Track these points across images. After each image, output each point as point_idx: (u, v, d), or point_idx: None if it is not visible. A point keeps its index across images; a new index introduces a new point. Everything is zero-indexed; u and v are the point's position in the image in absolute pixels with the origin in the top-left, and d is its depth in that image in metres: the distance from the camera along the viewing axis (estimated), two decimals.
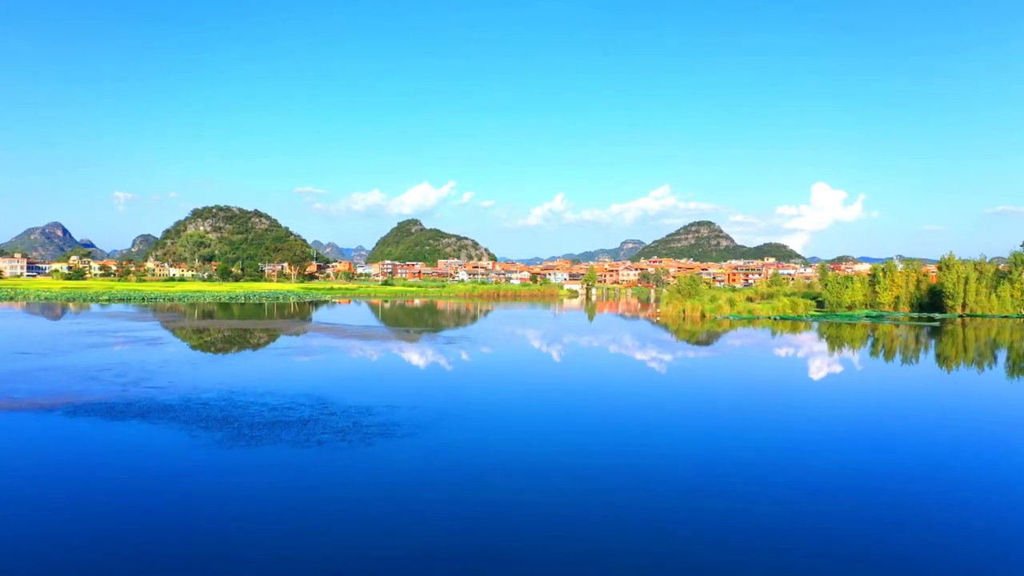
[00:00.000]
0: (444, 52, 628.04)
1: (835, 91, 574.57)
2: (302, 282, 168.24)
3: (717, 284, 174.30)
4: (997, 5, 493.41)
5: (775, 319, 68.78)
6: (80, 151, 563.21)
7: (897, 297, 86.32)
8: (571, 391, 25.31)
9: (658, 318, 71.43)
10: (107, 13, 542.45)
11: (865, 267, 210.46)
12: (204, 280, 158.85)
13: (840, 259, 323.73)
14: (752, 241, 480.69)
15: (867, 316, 72.82)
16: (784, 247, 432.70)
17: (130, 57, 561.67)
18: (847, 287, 77.97)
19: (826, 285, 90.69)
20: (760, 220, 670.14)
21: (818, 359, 37.51)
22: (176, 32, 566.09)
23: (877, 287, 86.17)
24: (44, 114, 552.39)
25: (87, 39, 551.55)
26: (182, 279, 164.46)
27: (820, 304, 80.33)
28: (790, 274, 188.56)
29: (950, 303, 79.58)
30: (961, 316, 76.53)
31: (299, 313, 71.47)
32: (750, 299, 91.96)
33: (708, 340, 48.74)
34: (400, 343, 40.00)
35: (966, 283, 79.47)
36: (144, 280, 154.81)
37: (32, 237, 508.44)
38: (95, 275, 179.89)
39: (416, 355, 34.92)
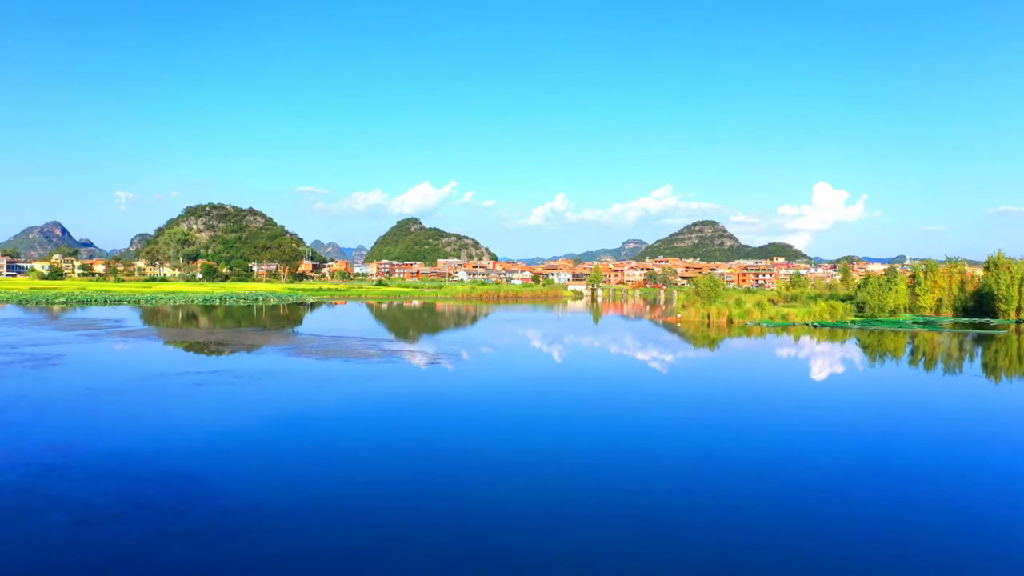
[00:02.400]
0: (446, 52, 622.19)
1: (837, 91, 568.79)
2: (292, 282, 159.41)
3: (728, 285, 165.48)
4: (998, 5, 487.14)
5: (813, 326, 60.06)
6: (82, 151, 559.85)
7: (939, 300, 77.79)
8: (603, 448, 16.57)
9: (679, 324, 62.76)
10: (110, 14, 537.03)
11: (877, 267, 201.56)
12: (187, 280, 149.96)
13: (846, 259, 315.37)
14: (755, 241, 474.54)
15: (914, 322, 64.08)
16: (790, 247, 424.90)
17: (133, 57, 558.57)
18: (890, 289, 69.09)
19: (860, 286, 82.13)
20: (762, 220, 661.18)
21: (887, 378, 28.87)
22: (180, 32, 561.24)
23: (917, 289, 77.51)
24: (45, 114, 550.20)
25: (89, 40, 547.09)
26: (164, 279, 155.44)
27: (860, 308, 71.50)
28: (803, 274, 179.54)
29: (1003, 307, 70.87)
30: (1017, 322, 67.87)
31: (269, 319, 62.84)
32: (773, 301, 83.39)
33: (752, 353, 40.04)
34: (364, 364, 31.31)
35: (1021, 285, 70.74)
36: (123, 280, 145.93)
37: (31, 236, 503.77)
38: (76, 275, 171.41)
39: (377, 387, 26.20)
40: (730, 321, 62.09)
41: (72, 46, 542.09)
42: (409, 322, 66.73)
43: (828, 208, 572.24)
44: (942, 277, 78.72)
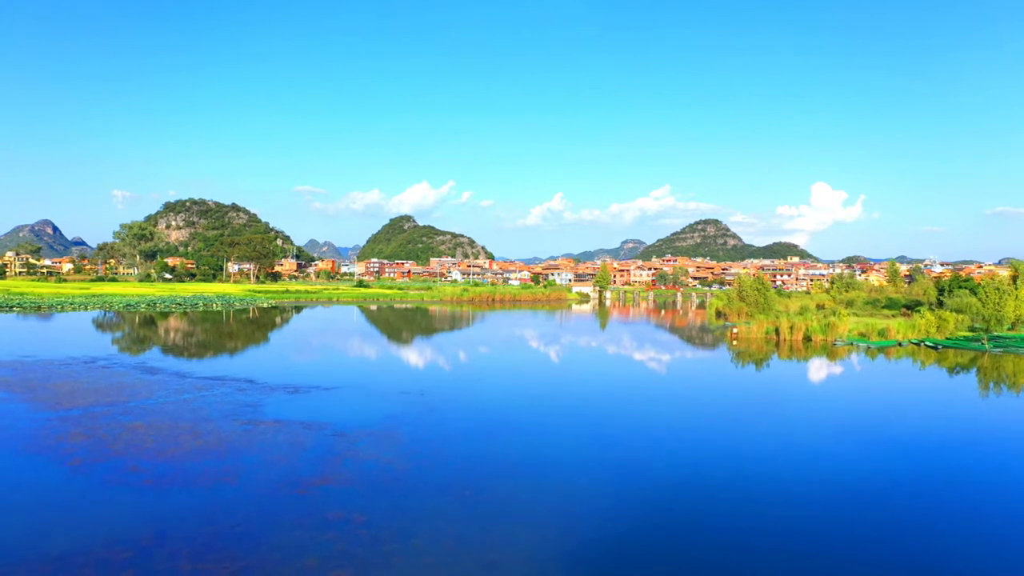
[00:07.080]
0: (445, 52, 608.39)
1: (836, 91, 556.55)
2: (261, 283, 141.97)
3: None
4: (997, 6, 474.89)
5: (928, 346, 43.19)
6: (79, 150, 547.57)
7: None
8: None
9: (735, 341, 45.72)
10: (109, 13, 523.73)
11: (901, 268, 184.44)
12: (141, 280, 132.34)
13: (851, 259, 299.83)
14: (758, 240, 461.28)
15: None
16: (795, 246, 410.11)
17: (132, 56, 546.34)
18: (1011, 295, 51.88)
19: (946, 290, 65.65)
20: (760, 220, 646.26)
21: None
22: (179, 32, 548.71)
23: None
24: (42, 113, 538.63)
25: (88, 39, 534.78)
26: (114, 279, 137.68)
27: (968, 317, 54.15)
28: (821, 275, 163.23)
29: None
30: None
31: (163, 335, 45.83)
32: (820, 307, 66.83)
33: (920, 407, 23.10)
34: (157, 488, 14.16)
35: None
36: (65, 280, 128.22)
37: (21, 234, 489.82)
38: (24, 273, 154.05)
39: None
40: (807, 338, 45.17)
41: (71, 45, 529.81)
42: (356, 343, 49.67)
43: (826, 208, 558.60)
44: None
